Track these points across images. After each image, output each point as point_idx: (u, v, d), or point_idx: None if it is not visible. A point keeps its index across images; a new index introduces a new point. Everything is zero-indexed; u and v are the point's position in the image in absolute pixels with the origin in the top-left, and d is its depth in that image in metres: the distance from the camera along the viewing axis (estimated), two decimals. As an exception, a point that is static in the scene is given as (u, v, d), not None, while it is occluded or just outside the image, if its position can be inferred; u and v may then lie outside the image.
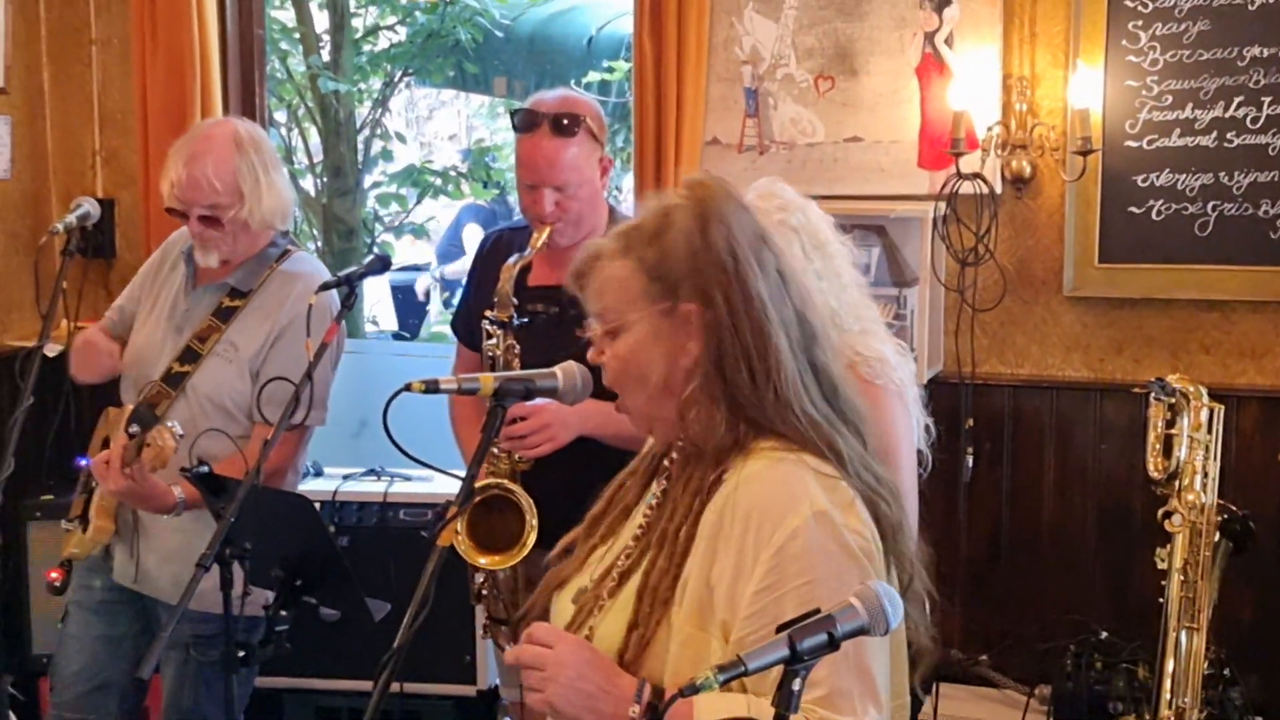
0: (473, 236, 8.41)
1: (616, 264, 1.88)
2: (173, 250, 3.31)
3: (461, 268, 7.99)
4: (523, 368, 2.89)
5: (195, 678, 3.11)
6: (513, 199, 8.88)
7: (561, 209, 2.99)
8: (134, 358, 3.23)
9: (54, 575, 3.14)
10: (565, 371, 1.92)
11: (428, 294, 8.91)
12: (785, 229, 2.54)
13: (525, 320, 2.99)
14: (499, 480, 2.90)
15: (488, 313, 2.99)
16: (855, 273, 2.65)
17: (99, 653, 3.21)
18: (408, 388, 1.82)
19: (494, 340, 2.98)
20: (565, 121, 2.98)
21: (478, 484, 2.84)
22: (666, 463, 1.93)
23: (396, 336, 8.64)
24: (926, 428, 2.66)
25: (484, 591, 3.04)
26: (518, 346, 2.97)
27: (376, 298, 8.40)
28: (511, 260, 3.00)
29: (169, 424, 2.84)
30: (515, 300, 2.98)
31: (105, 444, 3.15)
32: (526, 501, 2.84)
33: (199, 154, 3.08)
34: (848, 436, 1.87)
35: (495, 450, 2.94)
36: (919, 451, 2.67)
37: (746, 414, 1.84)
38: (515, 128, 3.06)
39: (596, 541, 2.00)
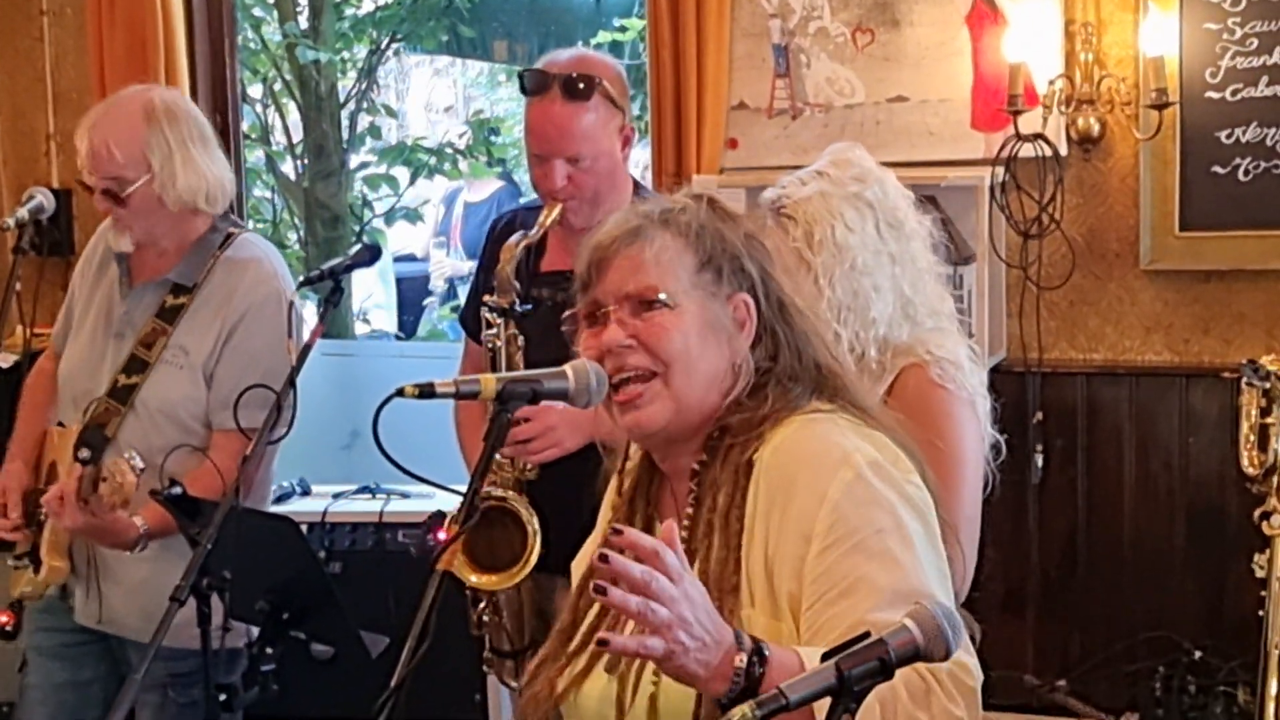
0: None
1: (664, 236, 1.94)
2: (99, 246, 3.30)
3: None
4: (527, 361, 2.88)
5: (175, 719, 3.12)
6: (518, 177, 8.87)
7: (575, 184, 2.96)
8: (70, 372, 3.22)
9: (3, 619, 3.13)
10: (576, 370, 1.90)
11: (451, 286, 8.89)
12: (860, 203, 2.54)
13: (529, 307, 2.97)
14: (499, 491, 2.87)
15: (487, 298, 2.97)
16: (932, 258, 2.63)
17: (66, 702, 3.22)
18: (400, 393, 1.81)
19: (494, 330, 2.95)
20: (580, 84, 2.96)
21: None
22: (695, 466, 1.94)
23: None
24: (995, 446, 2.63)
25: (485, 619, 3.02)
26: (521, 337, 2.95)
27: (367, 292, 8.40)
28: (514, 239, 2.97)
29: (127, 454, 2.84)
30: (518, 284, 2.96)
31: (53, 470, 3.15)
32: (528, 513, 2.82)
33: (101, 122, 3.07)
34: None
35: (497, 457, 2.92)
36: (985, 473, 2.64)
37: (790, 399, 1.94)
38: (524, 90, 3.04)
39: (590, 646, 1.95)
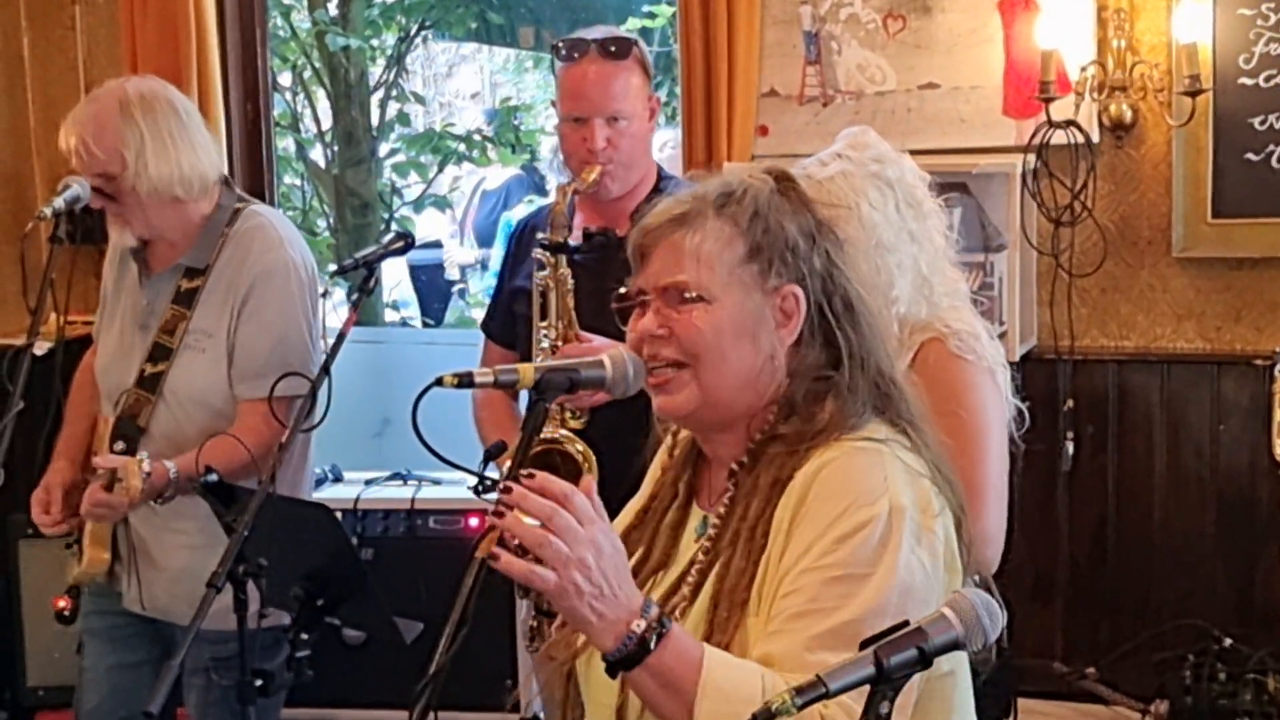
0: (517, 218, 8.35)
1: (712, 224, 1.90)
2: (119, 244, 3.33)
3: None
4: (576, 302, 2.89)
5: (220, 704, 3.14)
6: (543, 165, 8.87)
7: (613, 145, 2.98)
8: (105, 366, 3.25)
9: (61, 604, 3.17)
10: (613, 359, 1.90)
11: (463, 276, 8.91)
12: (880, 182, 2.56)
13: (580, 245, 2.97)
14: (549, 433, 2.83)
15: (540, 235, 2.97)
16: (945, 242, 2.64)
17: (119, 684, 3.26)
18: (439, 383, 1.82)
19: (546, 271, 2.94)
20: (615, 46, 3.00)
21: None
22: (735, 466, 1.93)
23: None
24: (1018, 415, 2.64)
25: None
26: (571, 279, 2.94)
27: (395, 280, 8.42)
28: (563, 181, 3.01)
29: (139, 456, 2.90)
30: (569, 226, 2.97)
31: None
32: (581, 449, 2.80)
33: (80, 119, 3.09)
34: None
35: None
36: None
37: (847, 416, 1.88)
38: (560, 57, 3.07)
39: None
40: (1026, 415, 2.68)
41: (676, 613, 1.87)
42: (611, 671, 1.72)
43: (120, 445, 3.11)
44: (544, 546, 1.66)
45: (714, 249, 1.89)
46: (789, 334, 1.91)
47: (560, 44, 3.08)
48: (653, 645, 1.69)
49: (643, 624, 1.69)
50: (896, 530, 1.78)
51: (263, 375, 3.04)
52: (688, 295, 1.88)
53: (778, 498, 1.85)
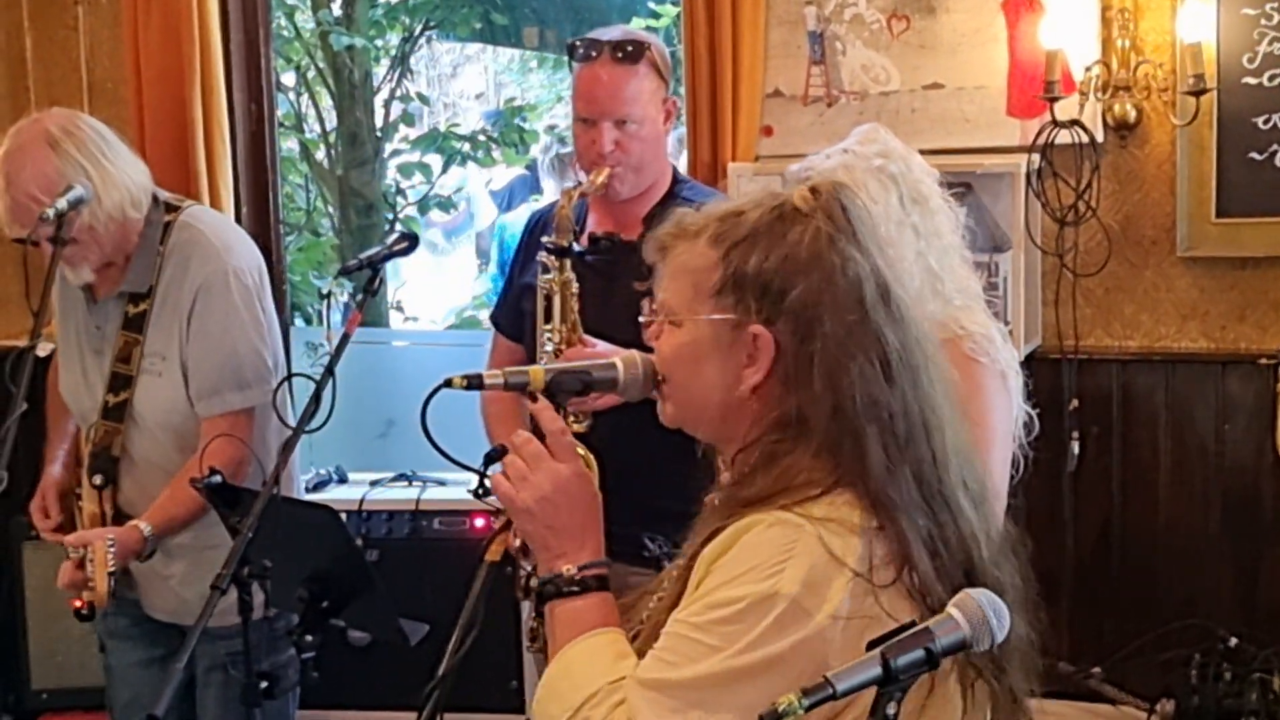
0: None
1: (699, 248, 1.83)
2: (73, 280, 3.31)
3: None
4: (581, 306, 2.89)
5: (239, 699, 3.15)
6: (538, 166, 8.86)
7: (622, 149, 3.00)
8: (68, 391, 3.28)
9: (79, 603, 3.18)
10: (626, 362, 1.90)
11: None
12: (883, 176, 2.56)
13: (586, 249, 2.98)
14: None
15: (545, 239, 2.98)
16: (958, 239, 2.64)
17: (145, 677, 3.29)
18: (448, 384, 1.82)
19: (550, 274, 2.94)
20: (628, 49, 3.01)
21: None
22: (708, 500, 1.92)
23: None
24: (1028, 421, 2.64)
25: (532, 585, 2.99)
26: (576, 283, 2.93)
27: (400, 280, 8.42)
28: (569, 185, 3.02)
29: (108, 544, 2.91)
30: (577, 227, 2.97)
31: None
32: (583, 456, 2.78)
33: (12, 173, 3.01)
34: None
35: None
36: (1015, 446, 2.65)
37: (793, 482, 1.76)
38: (574, 58, 3.09)
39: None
40: (1036, 421, 2.68)
41: (630, 634, 1.88)
42: (537, 599, 1.85)
43: (99, 479, 3.13)
44: (510, 465, 1.85)
45: (690, 273, 1.84)
46: (753, 374, 1.79)
47: (576, 43, 3.09)
48: (564, 591, 1.82)
49: (573, 570, 1.82)
50: (766, 615, 1.68)
51: (217, 392, 3.06)
52: (662, 315, 1.88)
53: (700, 551, 1.79)
